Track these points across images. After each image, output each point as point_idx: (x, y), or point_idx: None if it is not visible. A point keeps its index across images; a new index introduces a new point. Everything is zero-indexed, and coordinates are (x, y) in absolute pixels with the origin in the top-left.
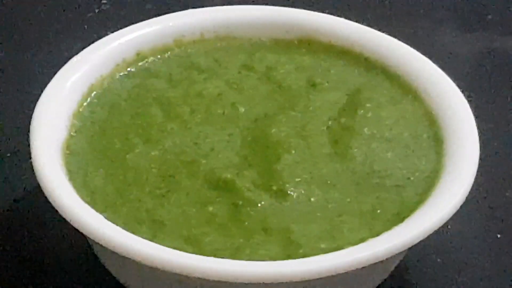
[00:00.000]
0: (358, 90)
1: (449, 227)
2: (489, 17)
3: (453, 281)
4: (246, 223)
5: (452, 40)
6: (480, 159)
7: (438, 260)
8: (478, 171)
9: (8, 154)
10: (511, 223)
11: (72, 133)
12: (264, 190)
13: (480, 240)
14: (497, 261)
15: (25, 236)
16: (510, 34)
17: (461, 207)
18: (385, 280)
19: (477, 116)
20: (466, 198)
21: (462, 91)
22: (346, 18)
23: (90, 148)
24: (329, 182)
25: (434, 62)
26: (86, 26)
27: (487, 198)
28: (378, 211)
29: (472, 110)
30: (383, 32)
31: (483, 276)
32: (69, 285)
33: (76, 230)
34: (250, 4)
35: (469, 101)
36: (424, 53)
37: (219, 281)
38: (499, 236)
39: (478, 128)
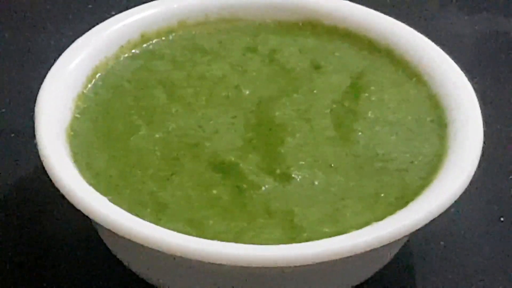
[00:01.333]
0: (362, 73)
1: (452, 210)
2: None
3: (457, 265)
4: (249, 206)
5: (456, 21)
6: (484, 142)
7: (441, 243)
8: (481, 155)
9: (12, 135)
10: None
11: (76, 115)
12: (267, 173)
13: (483, 224)
14: (500, 245)
15: (28, 217)
16: None
17: (464, 190)
18: (388, 263)
19: (480, 99)
20: (470, 181)
21: (466, 73)
22: (350, 0)
23: (94, 130)
24: (332, 165)
25: (438, 43)
26: (90, 6)
27: (490, 181)
28: (381, 195)
29: (475, 92)
30: (387, 13)
31: (486, 259)
32: (72, 266)
33: (81, 212)
34: None
35: (473, 83)
36: (428, 34)
37: (222, 264)
38: (502, 219)
39: (482, 111)
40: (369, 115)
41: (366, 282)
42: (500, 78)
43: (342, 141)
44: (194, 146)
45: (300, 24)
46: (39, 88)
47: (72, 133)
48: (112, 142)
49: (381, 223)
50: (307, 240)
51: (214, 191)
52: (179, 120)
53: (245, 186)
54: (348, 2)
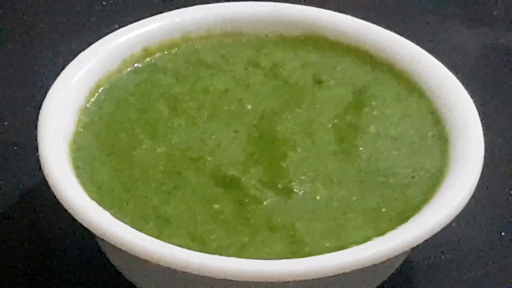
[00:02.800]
0: (364, 88)
1: (453, 224)
2: (495, 13)
3: (458, 278)
4: (252, 220)
5: (458, 35)
6: (485, 157)
7: (443, 257)
8: (482, 169)
9: (15, 148)
10: None
11: (79, 129)
12: (269, 187)
13: (484, 238)
14: (501, 259)
15: (31, 231)
16: None
17: (465, 204)
18: (390, 277)
19: (481, 114)
20: (471, 196)
21: (467, 87)
22: (352, 15)
23: (97, 144)
24: (334, 180)
25: (439, 58)
26: (93, 19)
27: (491, 196)
28: (383, 209)
29: (476, 106)
30: (389, 27)
31: (487, 274)
32: (75, 280)
33: (83, 225)
34: (257, 0)
35: (474, 98)
36: (430, 48)
37: (224, 279)
38: (503, 234)
39: (483, 125)
40: (371, 129)
41: None
42: (501, 92)
43: (344, 155)
44: (197, 160)
45: (303, 38)
46: (42, 101)
47: (75, 146)
48: (115, 156)
49: (382, 238)
50: (308, 255)
51: (216, 206)
52: (181, 134)
53: (247, 200)
54: (351, 17)
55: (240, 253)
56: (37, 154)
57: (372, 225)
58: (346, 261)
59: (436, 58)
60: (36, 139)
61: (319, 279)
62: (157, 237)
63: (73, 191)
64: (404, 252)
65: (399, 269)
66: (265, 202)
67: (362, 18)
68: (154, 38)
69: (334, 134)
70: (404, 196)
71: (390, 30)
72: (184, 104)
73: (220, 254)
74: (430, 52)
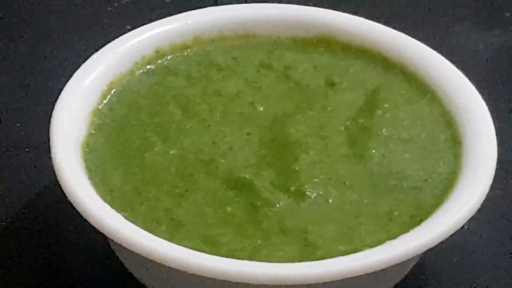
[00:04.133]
0: (376, 90)
1: (466, 227)
2: (507, 14)
3: (469, 282)
4: (264, 224)
5: (470, 37)
6: (497, 160)
7: (455, 260)
8: (495, 172)
9: (27, 150)
10: None
11: (91, 131)
12: (282, 190)
13: (497, 241)
14: None
15: (44, 233)
16: None
17: (478, 208)
18: (402, 280)
19: (494, 116)
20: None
21: (479, 89)
22: (364, 17)
23: (109, 146)
24: (346, 183)
25: (451, 60)
26: (105, 20)
27: (504, 199)
28: (395, 213)
29: (489, 109)
30: (400, 29)
31: (499, 277)
32: (87, 282)
33: (95, 228)
34: (269, 2)
35: (486, 100)
36: (441, 50)
37: (236, 283)
38: None
39: (495, 127)
40: (383, 132)
41: None
42: None
43: (356, 158)
44: (209, 163)
45: (315, 40)
46: (54, 103)
47: (87, 149)
48: (127, 159)
49: (395, 241)
50: (321, 258)
51: (229, 208)
52: (193, 136)
53: (259, 203)
54: (363, 18)
55: (252, 256)
56: (49, 156)
57: (385, 228)
58: (359, 264)
59: (448, 60)
60: (48, 141)
61: (331, 282)
62: (170, 240)
63: (86, 194)
64: (417, 256)
65: (411, 272)
66: (277, 205)
67: (373, 20)
68: (166, 40)
69: (346, 137)
70: (417, 200)
71: (402, 32)
72: (196, 106)
73: (233, 257)
74: (441, 54)
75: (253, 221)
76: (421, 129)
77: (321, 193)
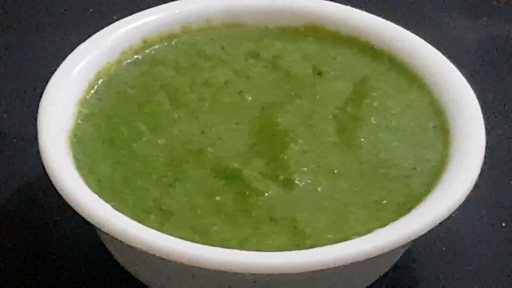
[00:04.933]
0: (365, 79)
1: (454, 216)
2: (494, 3)
3: (458, 270)
4: (253, 213)
5: (458, 26)
6: (486, 148)
7: (444, 248)
8: (483, 160)
9: (14, 140)
10: None
11: (79, 121)
12: (271, 179)
13: (485, 229)
14: (502, 250)
15: (31, 223)
16: None
17: (467, 196)
18: (390, 268)
19: (482, 104)
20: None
21: (467, 78)
22: (353, 6)
23: (97, 136)
24: (336, 172)
25: (439, 48)
26: (91, 10)
27: (492, 187)
28: (385, 201)
29: (477, 97)
30: (389, 18)
31: (488, 265)
32: (75, 273)
33: (83, 218)
34: None
35: (474, 88)
36: (430, 39)
37: (226, 271)
38: (503, 225)
39: (484, 117)
40: (372, 121)
41: (369, 287)
42: (501, 83)
43: (345, 147)
44: (198, 153)
45: (303, 30)
46: (41, 93)
47: (75, 139)
48: (115, 148)
49: (384, 229)
50: (311, 247)
51: (218, 198)
52: (182, 126)
53: (248, 192)
54: (351, 7)
55: (242, 246)
56: (37, 146)
57: (374, 217)
58: (348, 252)
59: (436, 49)
60: (36, 131)
61: (321, 270)
62: (159, 230)
63: (74, 184)
64: (406, 244)
65: (400, 261)
66: (266, 194)
67: (362, 9)
68: (154, 30)
69: (335, 125)
70: (406, 188)
71: (390, 21)
72: (185, 96)
73: (222, 247)
74: (429, 43)
75: (242, 211)
76: (410, 118)
77: (310, 182)
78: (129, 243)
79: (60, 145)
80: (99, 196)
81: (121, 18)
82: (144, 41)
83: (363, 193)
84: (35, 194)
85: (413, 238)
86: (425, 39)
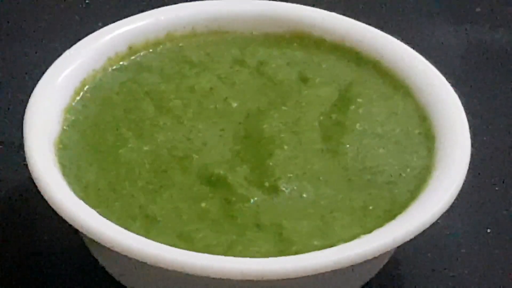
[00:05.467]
0: (350, 86)
1: (439, 222)
2: (478, 9)
3: (444, 276)
4: (239, 219)
5: (442, 32)
6: (471, 154)
7: (429, 255)
8: (468, 166)
9: (1, 147)
10: (501, 218)
11: (64, 127)
12: (256, 186)
13: (470, 235)
14: (487, 256)
15: (17, 229)
16: (499, 27)
17: (452, 202)
18: (375, 275)
19: (467, 111)
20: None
21: (452, 84)
22: (337, 12)
23: (83, 143)
24: (321, 178)
25: (423, 55)
26: (77, 17)
27: (477, 192)
28: (370, 207)
29: (462, 103)
30: (373, 25)
31: (473, 271)
32: (60, 278)
33: (69, 224)
34: None
35: (459, 94)
36: (414, 46)
37: (211, 278)
38: (488, 231)
39: (469, 122)
40: (357, 127)
41: None
42: (486, 89)
43: (331, 153)
44: (183, 159)
45: (288, 36)
46: (27, 100)
47: (61, 145)
48: (101, 155)
49: (369, 236)
50: (296, 253)
51: (203, 204)
52: (167, 132)
53: (234, 199)
54: (336, 14)
55: (227, 252)
56: (23, 153)
57: (360, 223)
58: (334, 259)
59: (420, 55)
60: (22, 138)
61: (306, 277)
62: (145, 236)
63: (60, 190)
64: (391, 250)
65: (386, 267)
66: (252, 201)
67: (346, 16)
68: (139, 36)
69: (320, 132)
70: (391, 194)
71: (375, 27)
72: (170, 102)
73: (208, 253)
74: (414, 49)
75: (228, 217)
76: (395, 124)
77: (295, 188)
78: (115, 249)
79: (46, 152)
80: (85, 203)
81: (107, 25)
82: (130, 48)
83: (348, 200)
84: (21, 200)
85: (398, 244)
86: (409, 45)
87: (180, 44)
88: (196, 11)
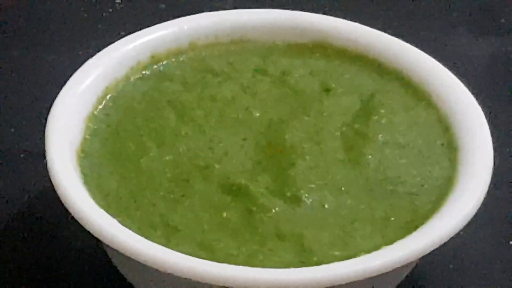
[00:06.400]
0: (372, 96)
1: (461, 233)
2: (502, 20)
3: None
4: (260, 229)
5: (465, 43)
6: (494, 165)
7: (451, 266)
8: (491, 178)
9: (22, 155)
10: None
11: (86, 136)
12: (277, 196)
13: (493, 247)
14: (508, 268)
15: (38, 238)
16: None
17: (474, 214)
18: (397, 286)
19: (490, 122)
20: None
21: (475, 96)
22: (359, 22)
23: (104, 151)
24: (342, 188)
25: (447, 66)
26: (100, 26)
27: (499, 205)
28: (392, 218)
29: (485, 115)
30: (396, 36)
31: (496, 283)
32: (81, 287)
33: (90, 233)
34: (263, 7)
35: (482, 106)
36: (437, 56)
37: None
38: (511, 243)
39: (492, 134)
40: (379, 138)
41: None
42: (509, 100)
43: (352, 164)
44: (204, 168)
45: (310, 46)
46: (49, 108)
47: (82, 154)
48: (122, 164)
49: (391, 247)
50: (317, 264)
51: (224, 214)
52: (189, 141)
53: (255, 209)
54: (358, 24)
55: (248, 262)
56: (44, 161)
57: (381, 234)
58: (355, 270)
59: (443, 65)
60: (43, 146)
61: None
62: (165, 245)
63: (81, 199)
64: (413, 262)
65: (407, 279)
66: (273, 211)
67: (369, 26)
68: (162, 45)
69: (342, 142)
70: (413, 205)
71: (398, 38)
72: (192, 111)
73: (229, 263)
74: (437, 60)
75: (249, 226)
76: (417, 135)
77: (317, 198)
78: (136, 258)
79: (68, 160)
80: (106, 211)
81: (129, 34)
82: (152, 57)
83: (369, 210)
84: (42, 209)
85: (420, 255)
86: (432, 56)
87: (203, 53)
88: (219, 20)
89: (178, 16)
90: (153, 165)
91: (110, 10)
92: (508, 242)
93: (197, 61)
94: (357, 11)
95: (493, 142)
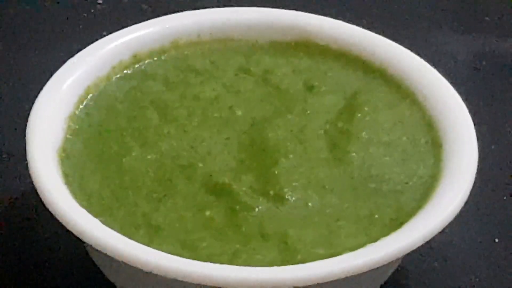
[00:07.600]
0: (356, 94)
1: (446, 231)
2: (487, 18)
3: (450, 286)
4: (243, 228)
5: (449, 41)
6: (478, 163)
7: (435, 264)
8: (475, 175)
9: (4, 156)
10: (509, 228)
11: (68, 136)
12: (261, 194)
13: (478, 245)
14: (494, 266)
15: (20, 239)
16: (508, 36)
17: (458, 211)
18: (382, 285)
19: (474, 119)
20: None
21: (459, 93)
22: (343, 20)
23: (86, 151)
24: (326, 186)
25: (431, 63)
26: (81, 26)
27: (484, 202)
28: (376, 216)
29: (469, 112)
30: (380, 33)
31: (480, 281)
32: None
33: (72, 233)
34: (246, 6)
35: (467, 104)
36: (421, 54)
37: (215, 287)
38: (496, 240)
39: (476, 131)
40: (363, 136)
41: None
42: (493, 98)
43: (336, 162)
44: (187, 168)
45: (294, 44)
46: (30, 108)
47: (63, 154)
48: (104, 164)
49: (375, 245)
50: (301, 262)
51: (208, 213)
52: (172, 141)
53: (238, 207)
54: (342, 22)
55: (232, 261)
56: (26, 161)
57: (365, 232)
58: (339, 268)
59: (428, 63)
60: (25, 147)
61: (311, 286)
62: (148, 245)
63: (63, 199)
64: (397, 259)
65: (392, 277)
66: (256, 209)
67: (353, 24)
68: (144, 44)
69: (326, 140)
70: (397, 203)
71: (382, 35)
72: (174, 111)
73: (212, 262)
74: (421, 57)
75: (232, 226)
76: (402, 132)
77: (300, 197)
78: (118, 258)
79: (49, 161)
80: (88, 212)
81: (111, 33)
82: (134, 56)
83: (354, 208)
84: (24, 210)
85: (404, 253)
86: (417, 53)
87: (185, 52)
88: (201, 19)
89: (161, 15)
90: (136, 164)
91: (92, 10)
92: (494, 240)
93: (179, 60)
94: (341, 9)
95: (477, 140)
